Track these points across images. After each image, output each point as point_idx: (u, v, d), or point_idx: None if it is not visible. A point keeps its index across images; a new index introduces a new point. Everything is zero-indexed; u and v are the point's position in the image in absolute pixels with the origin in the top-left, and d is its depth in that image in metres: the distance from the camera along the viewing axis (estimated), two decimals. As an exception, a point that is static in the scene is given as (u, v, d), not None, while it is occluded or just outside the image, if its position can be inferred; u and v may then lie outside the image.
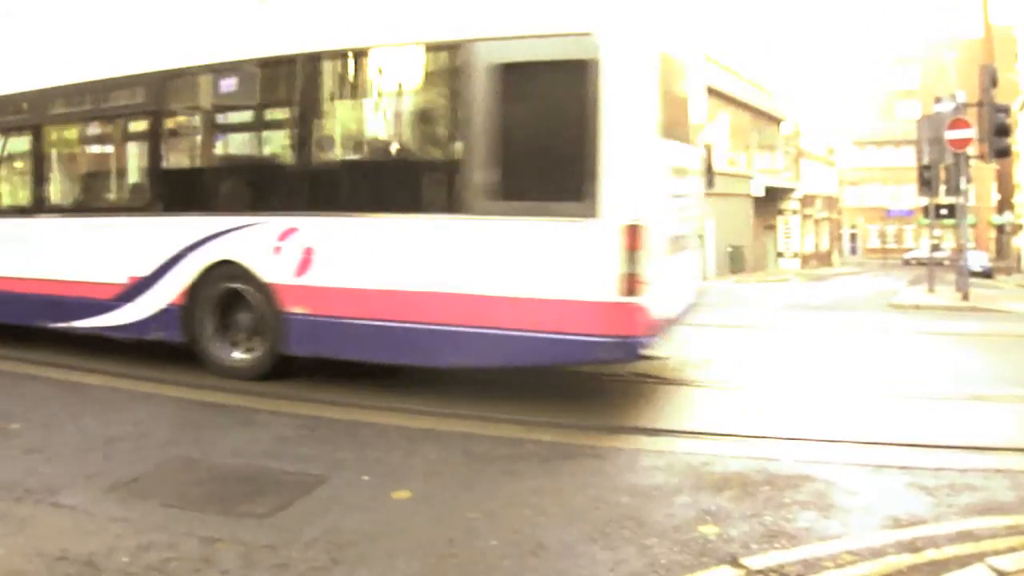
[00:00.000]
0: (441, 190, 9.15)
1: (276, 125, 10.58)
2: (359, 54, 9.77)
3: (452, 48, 8.98)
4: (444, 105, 9.34)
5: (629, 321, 8.02)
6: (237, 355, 10.14)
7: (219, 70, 10.50)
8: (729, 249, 40.78)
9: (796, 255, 58.86)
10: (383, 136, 10.09)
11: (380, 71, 9.77)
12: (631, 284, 7.91)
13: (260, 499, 6.13)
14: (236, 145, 11.27)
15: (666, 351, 10.56)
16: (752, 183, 47.27)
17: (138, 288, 10.68)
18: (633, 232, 7.92)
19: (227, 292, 10.08)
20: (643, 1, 8.70)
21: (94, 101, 11.68)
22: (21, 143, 12.58)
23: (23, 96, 12.33)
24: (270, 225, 9.71)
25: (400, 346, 9.16)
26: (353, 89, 10.11)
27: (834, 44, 72.86)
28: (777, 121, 54.88)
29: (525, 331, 8.42)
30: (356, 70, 10.03)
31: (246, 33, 10.47)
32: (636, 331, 8.07)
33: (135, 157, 11.58)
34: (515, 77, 8.57)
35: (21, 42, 12.79)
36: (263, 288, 9.78)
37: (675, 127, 9.47)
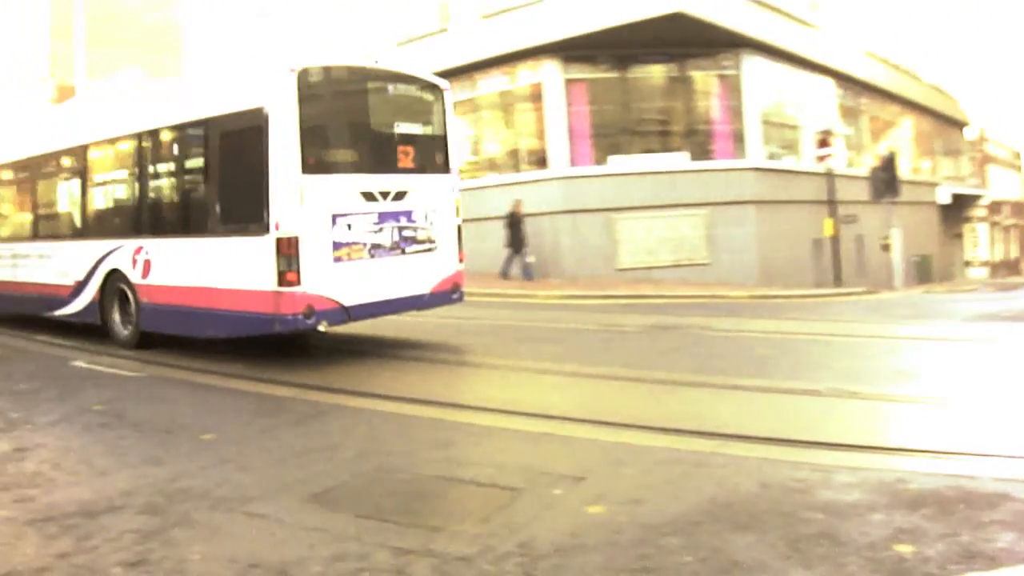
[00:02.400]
0: (197, 219, 13.32)
1: (125, 179, 15.25)
2: (152, 133, 14.29)
3: (199, 124, 13.19)
4: (198, 162, 13.46)
5: (286, 304, 11.57)
6: (124, 332, 14.69)
7: (90, 147, 15.84)
8: (915, 259, 39.64)
9: (984, 264, 56.95)
10: (172, 184, 14.22)
11: (169, 143, 14.19)
12: (285, 278, 11.52)
13: (453, 511, 6.15)
14: (110, 192, 15.83)
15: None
16: (937, 190, 45.91)
17: (78, 289, 15.64)
18: (286, 242, 11.51)
19: (119, 290, 14.64)
20: (317, 78, 12.35)
21: (39, 169, 17.67)
22: (4, 196, 19.38)
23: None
24: (130, 245, 14.35)
25: (187, 323, 13.37)
26: (153, 154, 14.41)
27: (1019, 45, 70.32)
28: (961, 126, 53.21)
29: (237, 311, 12.28)
30: (153, 144, 14.37)
31: (104, 120, 15.95)
32: (292, 311, 11.59)
33: (68, 202, 16.82)
34: (228, 140, 12.62)
35: None
36: (132, 287, 14.30)
37: (378, 162, 12.99)
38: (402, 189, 12.93)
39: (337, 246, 12.05)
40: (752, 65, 27.24)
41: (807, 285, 26.50)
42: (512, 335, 15.49)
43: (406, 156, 13.32)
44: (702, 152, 26.74)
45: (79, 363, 13.72)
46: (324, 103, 12.62)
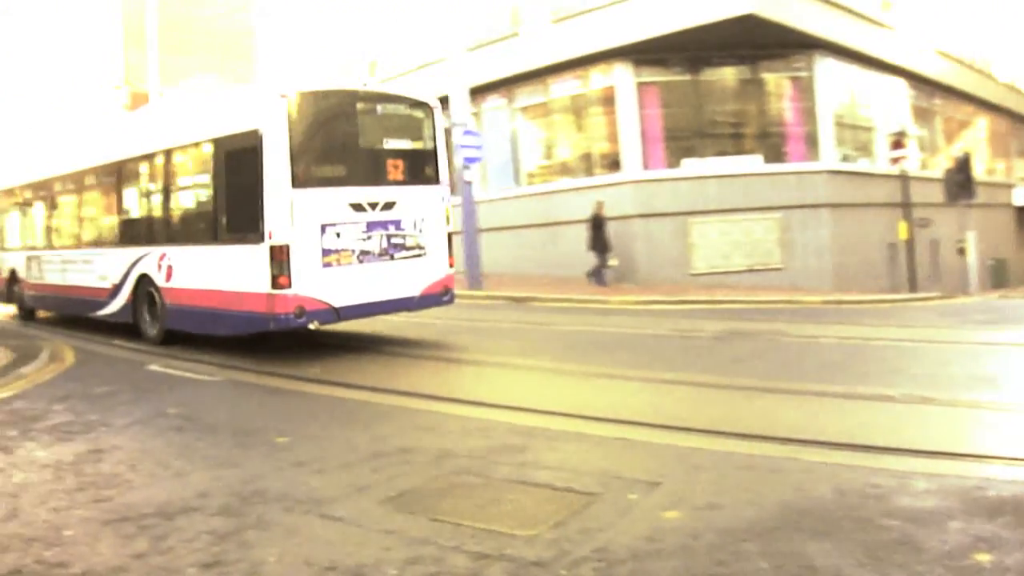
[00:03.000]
0: (207, 228, 14.94)
1: (151, 191, 16.76)
2: (168, 152, 15.96)
3: (206, 145, 14.84)
4: (208, 177, 14.97)
5: (279, 304, 13.03)
6: (152, 331, 16.22)
7: (121, 163, 17.59)
8: (991, 262, 38.98)
9: (1063, 268, 55.82)
10: (187, 196, 16.03)
11: (184, 159, 15.85)
12: (278, 282, 12.97)
13: (528, 515, 6.12)
14: (139, 203, 17.28)
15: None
16: (1014, 192, 45.08)
17: (115, 291, 17.26)
18: (278, 250, 12.97)
19: (148, 292, 16.19)
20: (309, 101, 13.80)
21: (78, 183, 19.65)
22: (43, 209, 21.67)
23: (30, 185, 22.08)
24: (155, 252, 15.97)
25: (202, 322, 14.96)
26: (171, 169, 16.02)
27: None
28: (1037, 125, 52.30)
29: (240, 311, 13.79)
30: (171, 160, 15.96)
31: (126, 140, 17.70)
32: (284, 311, 13.03)
33: (105, 212, 18.62)
34: (231, 157, 14.13)
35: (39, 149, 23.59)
36: (158, 289, 15.85)
37: (367, 175, 14.30)
38: (391, 200, 14.31)
39: (326, 252, 13.49)
40: (824, 66, 26.99)
41: (881, 290, 26.17)
42: (586, 341, 15.46)
43: (395, 169, 14.72)
44: (775, 155, 26.54)
45: (154, 367, 13.98)
46: (313, 124, 13.97)
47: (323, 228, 13.45)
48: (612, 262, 24.38)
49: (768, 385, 10.59)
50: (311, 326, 13.62)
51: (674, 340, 15.14)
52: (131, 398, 11.47)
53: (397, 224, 14.35)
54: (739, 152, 26.49)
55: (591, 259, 24.69)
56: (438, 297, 15.10)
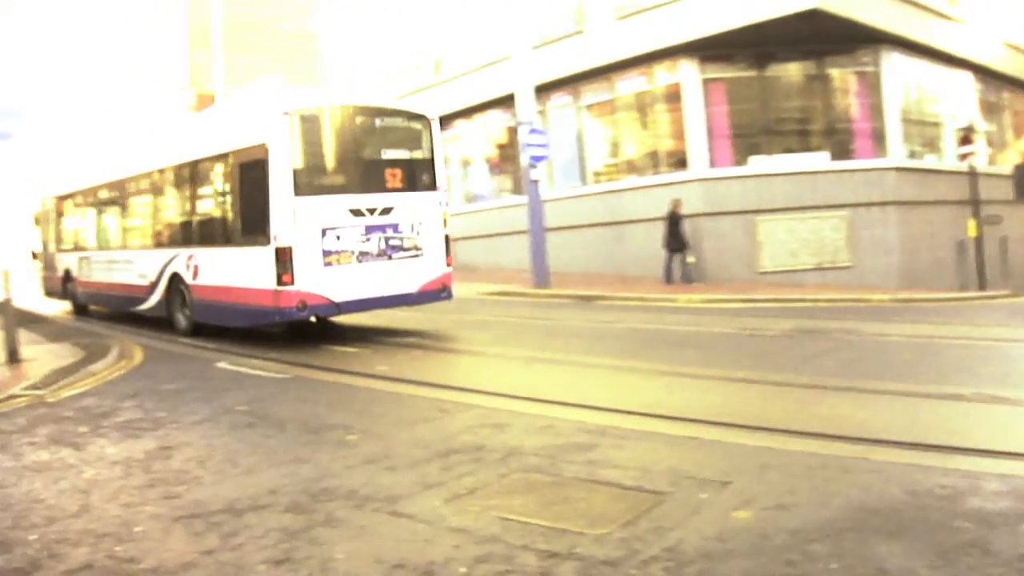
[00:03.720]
0: (225, 232, 16.66)
1: (182, 198, 18.66)
2: (194, 163, 17.85)
3: (224, 157, 16.58)
4: (226, 185, 16.76)
5: (283, 299, 14.73)
6: (183, 323, 18.00)
7: (155, 173, 19.66)
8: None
9: None
10: (211, 205, 17.81)
11: (205, 170, 17.64)
12: (282, 279, 14.64)
13: (598, 514, 6.11)
14: (172, 208, 19.15)
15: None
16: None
17: (151, 287, 19.15)
18: (282, 251, 14.63)
19: (179, 289, 17.99)
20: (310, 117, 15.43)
21: (121, 190, 21.56)
22: (92, 213, 23.78)
23: (81, 191, 24.12)
24: (184, 253, 17.80)
25: (223, 315, 16.67)
26: (196, 179, 17.97)
27: None
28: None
29: (251, 305, 15.45)
30: (196, 170, 17.89)
31: (160, 151, 19.70)
32: (288, 304, 14.74)
33: (143, 217, 20.64)
34: (244, 168, 15.78)
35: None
36: (187, 286, 17.65)
37: (366, 183, 15.77)
38: (388, 205, 15.83)
39: (327, 253, 15.09)
40: (891, 61, 26.60)
41: (950, 288, 25.77)
42: (654, 339, 15.44)
43: (393, 178, 16.21)
44: (842, 151, 26.23)
45: (223, 364, 14.19)
46: (315, 138, 15.62)
47: (324, 232, 15.05)
48: (689, 259, 24.16)
49: (837, 384, 10.53)
50: (312, 319, 16.42)
51: (743, 338, 15.06)
52: (200, 395, 11.64)
53: (395, 227, 15.90)
54: (805, 149, 26.21)
55: (663, 257, 24.55)
56: (436, 293, 16.63)
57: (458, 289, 24.97)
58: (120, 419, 10.37)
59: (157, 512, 6.73)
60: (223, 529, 6.22)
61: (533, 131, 24.64)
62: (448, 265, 16.84)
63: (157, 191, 19.67)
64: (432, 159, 16.85)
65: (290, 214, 14.76)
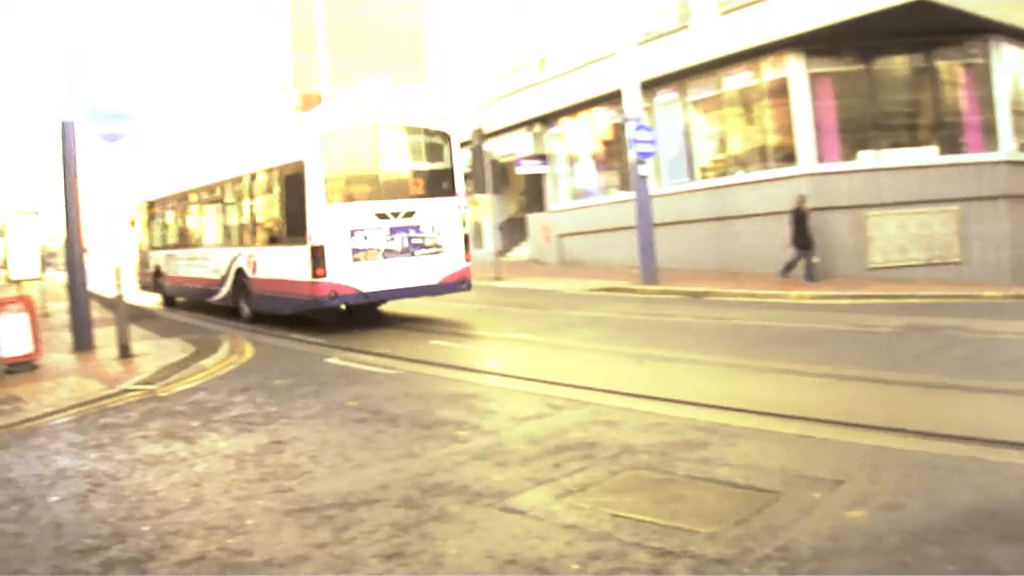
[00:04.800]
0: (276, 233, 19.46)
1: (244, 205, 21.62)
2: (253, 175, 20.91)
3: (273, 170, 19.51)
4: (275, 195, 19.50)
5: (318, 289, 17.34)
6: (246, 311, 20.80)
7: (222, 183, 23.04)
8: None
9: None
10: (263, 211, 20.53)
11: (262, 181, 20.45)
12: (316, 273, 17.25)
13: (710, 512, 6.10)
14: (237, 213, 22.17)
15: None
16: None
17: (222, 281, 22.15)
18: (316, 249, 17.25)
19: (242, 282, 20.84)
20: (335, 138, 18.11)
21: (199, 196, 24.97)
22: (177, 216, 27.18)
23: (168, 197, 27.51)
24: (246, 252, 20.78)
25: (274, 304, 19.42)
26: (255, 188, 20.93)
27: None
28: None
29: (294, 295, 18.19)
30: (255, 181, 20.87)
31: (228, 164, 23.13)
32: (321, 294, 17.35)
33: (215, 221, 23.85)
34: (288, 180, 18.55)
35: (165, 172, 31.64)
36: (248, 280, 20.49)
37: (391, 191, 18.29)
38: (411, 210, 18.16)
39: (356, 251, 17.51)
40: (1000, 52, 25.81)
41: (1065, 283, 25.10)
42: (764, 336, 15.30)
43: (416, 185, 18.69)
44: (951, 145, 25.59)
45: (333, 360, 14.44)
46: (344, 153, 18.18)
47: (352, 232, 17.48)
48: (816, 259, 23.65)
49: (950, 382, 10.34)
50: (342, 306, 18.61)
51: (854, 335, 14.83)
52: (311, 390, 11.85)
53: (417, 228, 18.16)
54: (913, 143, 25.64)
55: (790, 254, 24.11)
56: (456, 285, 18.88)
57: (565, 285, 25.20)
58: (232, 413, 10.65)
59: (269, 505, 6.88)
60: (335, 523, 6.33)
61: (640, 127, 24.55)
62: (467, 261, 18.97)
63: (225, 198, 22.88)
64: (452, 169, 19.12)
65: (322, 218, 17.36)
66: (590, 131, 34.85)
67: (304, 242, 17.47)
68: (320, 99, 52.04)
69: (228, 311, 21.98)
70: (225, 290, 21.98)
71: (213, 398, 11.77)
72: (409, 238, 18.06)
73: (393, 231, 17.88)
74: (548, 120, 36.71)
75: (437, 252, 18.39)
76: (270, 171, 19.77)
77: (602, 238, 32.96)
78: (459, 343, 15.68)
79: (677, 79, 29.43)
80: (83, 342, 16.74)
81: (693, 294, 21.83)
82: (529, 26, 37.32)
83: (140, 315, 22.82)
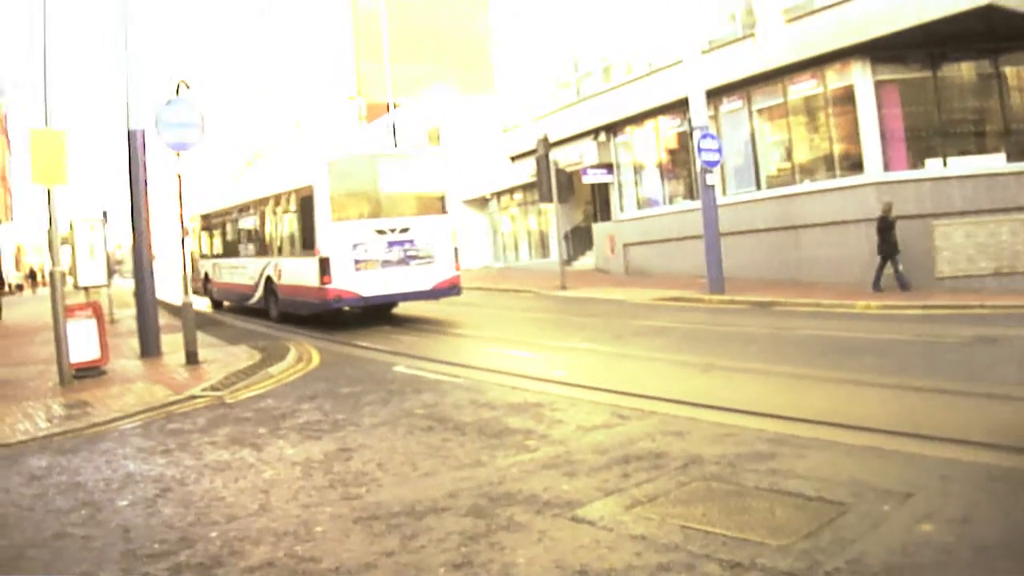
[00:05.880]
0: (295, 247, 22.71)
1: (270, 222, 24.94)
2: (277, 196, 24.32)
3: (290, 193, 22.98)
4: (292, 214, 22.87)
5: (324, 294, 20.51)
6: (274, 313, 23.97)
7: (252, 203, 26.83)
8: None
9: None
10: (286, 227, 23.65)
11: (284, 202, 23.75)
12: (323, 280, 20.37)
13: (779, 524, 6.07)
14: (264, 229, 25.53)
15: None
16: None
17: (256, 286, 25.50)
18: (323, 260, 20.42)
19: (271, 288, 24.14)
20: (342, 163, 21.78)
21: (240, 212, 28.22)
22: (222, 229, 30.30)
23: (215, 212, 31.05)
24: (273, 261, 24.01)
25: (295, 306, 22.60)
26: (278, 208, 24.24)
27: None
28: None
29: (308, 299, 21.42)
30: (278, 202, 24.21)
31: (258, 185, 27.89)
32: (328, 298, 20.52)
33: (249, 234, 27.18)
34: (302, 202, 21.82)
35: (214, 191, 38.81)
36: (276, 286, 23.80)
37: (388, 210, 21.36)
38: (406, 227, 21.31)
39: (357, 262, 20.68)
40: (1071, 57, 25.54)
41: None
42: (832, 346, 15.15)
43: (410, 206, 21.74)
44: (1020, 152, 25.26)
45: (400, 368, 14.54)
46: (348, 178, 21.38)
47: (355, 246, 20.64)
48: (900, 266, 23.21)
49: (1019, 394, 10.15)
50: (346, 308, 21.66)
51: (921, 346, 14.64)
52: (378, 398, 11.93)
53: (412, 242, 21.30)
54: (981, 150, 25.22)
55: (874, 264, 23.65)
56: (448, 290, 22.00)
57: (631, 294, 25.20)
58: (299, 421, 10.76)
59: (337, 513, 6.94)
60: (403, 531, 6.36)
61: (706, 136, 24.50)
62: (456, 270, 22.08)
63: (258, 214, 26.09)
64: (442, 190, 22.25)
65: (329, 234, 20.54)
66: (656, 139, 34.76)
67: (314, 254, 20.71)
68: (387, 108, 52.45)
69: (263, 313, 25.28)
70: (258, 294, 25.46)
71: (280, 405, 11.93)
72: (404, 251, 21.20)
73: (390, 244, 21.03)
74: (613, 128, 36.66)
75: (429, 262, 21.50)
76: (289, 193, 23.10)
77: (668, 247, 32.87)
78: (525, 352, 15.72)
79: (742, 87, 29.29)
80: (150, 348, 17.07)
81: (760, 304, 21.71)
82: (594, 34, 37.27)
83: (206, 322, 23.23)
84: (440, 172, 22.56)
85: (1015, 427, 8.69)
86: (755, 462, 7.65)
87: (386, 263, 20.89)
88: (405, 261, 21.15)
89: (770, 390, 11.41)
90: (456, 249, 22.12)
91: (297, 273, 22.08)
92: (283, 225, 23.82)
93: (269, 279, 24.25)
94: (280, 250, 23.83)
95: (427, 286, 21.53)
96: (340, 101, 66.49)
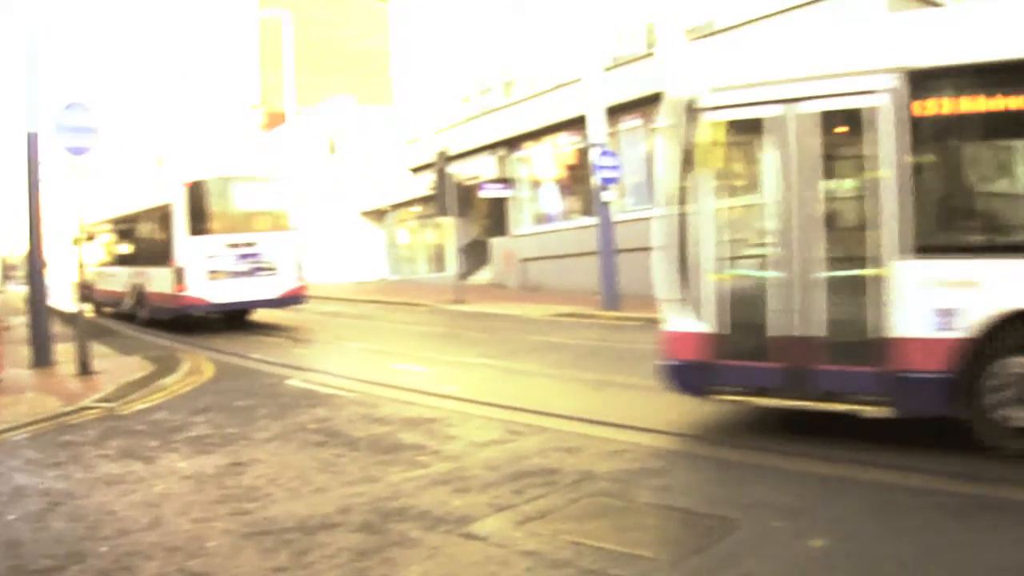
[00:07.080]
0: (159, 258, 23.57)
1: (135, 237, 26.83)
2: (144, 211, 25.70)
3: (155, 209, 25.01)
4: (155, 228, 24.73)
5: (179, 301, 22.58)
6: (143, 317, 25.45)
7: (128, 216, 28.21)
8: None
9: None
10: (151, 239, 25.46)
11: (148, 217, 25.66)
12: (178, 287, 22.36)
13: (670, 540, 6.13)
14: (135, 241, 27.33)
15: None
16: None
17: (128, 294, 26.63)
18: (179, 269, 22.38)
19: (140, 293, 25.79)
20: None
21: (117, 224, 29.87)
22: (103, 239, 31.14)
23: (99, 222, 30.51)
24: (142, 270, 25.62)
25: (160, 311, 24.27)
26: (143, 223, 26.23)
27: None
28: None
29: (170, 304, 23.26)
30: (145, 218, 25.49)
31: (133, 199, 28.53)
32: (184, 304, 22.65)
33: (122, 246, 29.14)
34: (163, 218, 23.77)
35: None
36: (144, 293, 25.25)
37: (239, 226, 23.22)
38: (253, 241, 23.18)
39: (210, 272, 22.47)
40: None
41: None
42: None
43: (259, 223, 23.56)
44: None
45: (294, 382, 14.37)
46: (204, 197, 23.08)
47: (208, 257, 22.48)
48: None
49: None
50: (197, 313, 23.41)
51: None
52: (271, 412, 11.74)
53: (258, 255, 23.16)
54: None
55: None
56: (293, 299, 24.11)
57: (527, 310, 25.17)
58: (191, 434, 10.56)
59: (228, 528, 6.82)
60: (295, 547, 6.28)
61: (604, 153, 24.57)
62: (300, 280, 24.04)
63: (129, 227, 27.66)
64: (286, 210, 24.31)
65: (185, 247, 22.55)
66: (554, 156, 34.88)
67: (171, 263, 22.76)
68: (284, 117, 51.99)
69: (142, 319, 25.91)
70: (130, 301, 26.75)
71: (173, 417, 11.67)
72: (251, 263, 23.12)
73: (240, 257, 22.95)
74: (513, 144, 36.69)
75: (273, 274, 23.42)
76: (152, 209, 25.07)
77: (566, 263, 32.90)
78: (420, 367, 15.59)
79: (642, 105, 29.42)
80: (42, 358, 16.54)
81: (653, 321, 21.69)
82: (496, 49, 37.32)
83: (99, 331, 22.70)
84: (286, 194, 24.80)
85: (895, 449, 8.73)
86: (647, 478, 7.66)
87: (235, 274, 22.89)
88: (252, 272, 23.13)
89: (662, 407, 11.34)
90: (299, 263, 24.20)
91: (159, 281, 23.81)
92: (149, 237, 25.59)
93: (138, 287, 25.86)
94: (146, 260, 25.42)
95: (274, 295, 23.56)
96: (242, 109, 65.92)
